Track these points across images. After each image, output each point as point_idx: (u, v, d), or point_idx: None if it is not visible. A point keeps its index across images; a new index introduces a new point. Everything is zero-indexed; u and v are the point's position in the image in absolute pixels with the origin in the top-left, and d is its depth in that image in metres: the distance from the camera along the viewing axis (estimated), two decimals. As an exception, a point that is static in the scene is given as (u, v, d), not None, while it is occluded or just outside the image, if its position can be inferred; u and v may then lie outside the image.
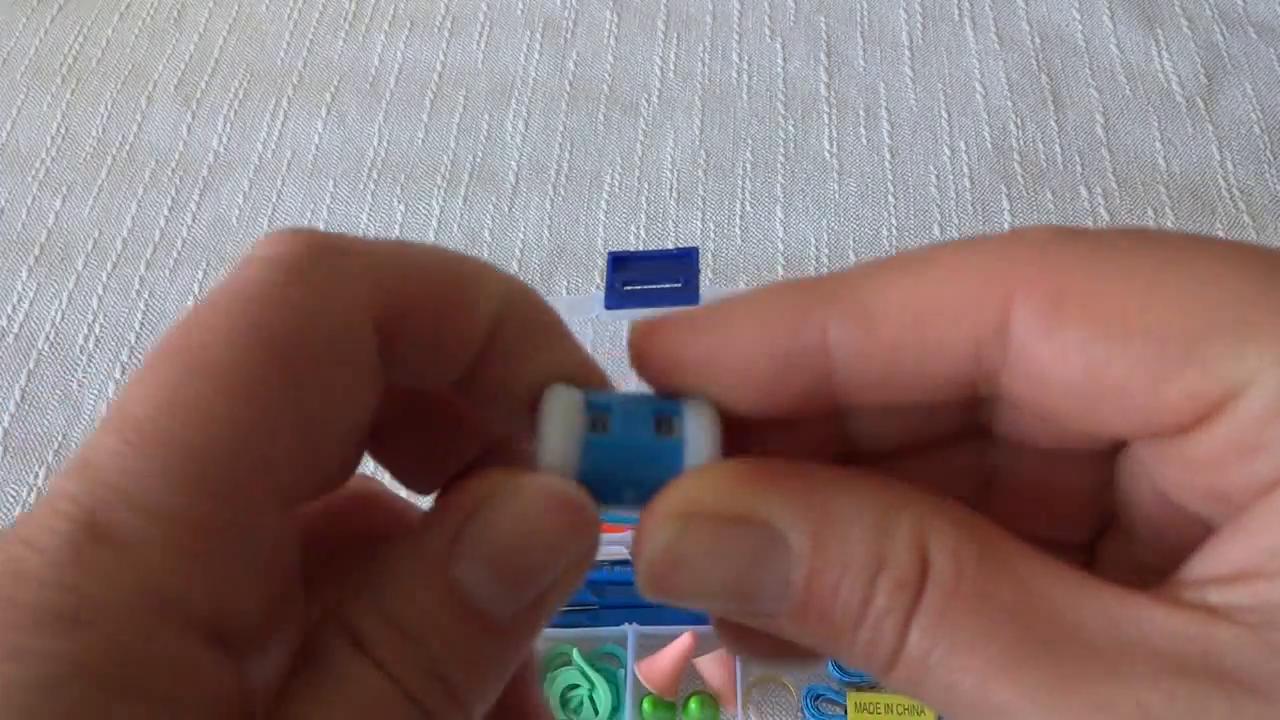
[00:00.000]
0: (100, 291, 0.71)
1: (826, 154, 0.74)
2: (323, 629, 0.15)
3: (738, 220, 0.71)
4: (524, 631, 0.16)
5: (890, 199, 0.71)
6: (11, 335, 0.69)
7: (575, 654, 0.53)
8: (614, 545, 0.56)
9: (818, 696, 0.52)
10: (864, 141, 0.74)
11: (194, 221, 0.74)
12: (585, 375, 0.18)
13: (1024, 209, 0.69)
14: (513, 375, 0.18)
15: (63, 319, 0.70)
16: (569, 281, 0.69)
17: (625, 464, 0.17)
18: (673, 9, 0.83)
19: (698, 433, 0.17)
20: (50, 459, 0.64)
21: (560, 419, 0.17)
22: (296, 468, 0.15)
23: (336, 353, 0.15)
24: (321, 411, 0.15)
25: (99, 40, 0.86)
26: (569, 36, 0.82)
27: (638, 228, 0.71)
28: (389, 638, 0.15)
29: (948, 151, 0.73)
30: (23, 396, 0.67)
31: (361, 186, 0.75)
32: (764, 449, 0.18)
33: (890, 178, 0.72)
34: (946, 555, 0.15)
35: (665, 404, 0.17)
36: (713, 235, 0.70)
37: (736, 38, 0.81)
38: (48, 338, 0.69)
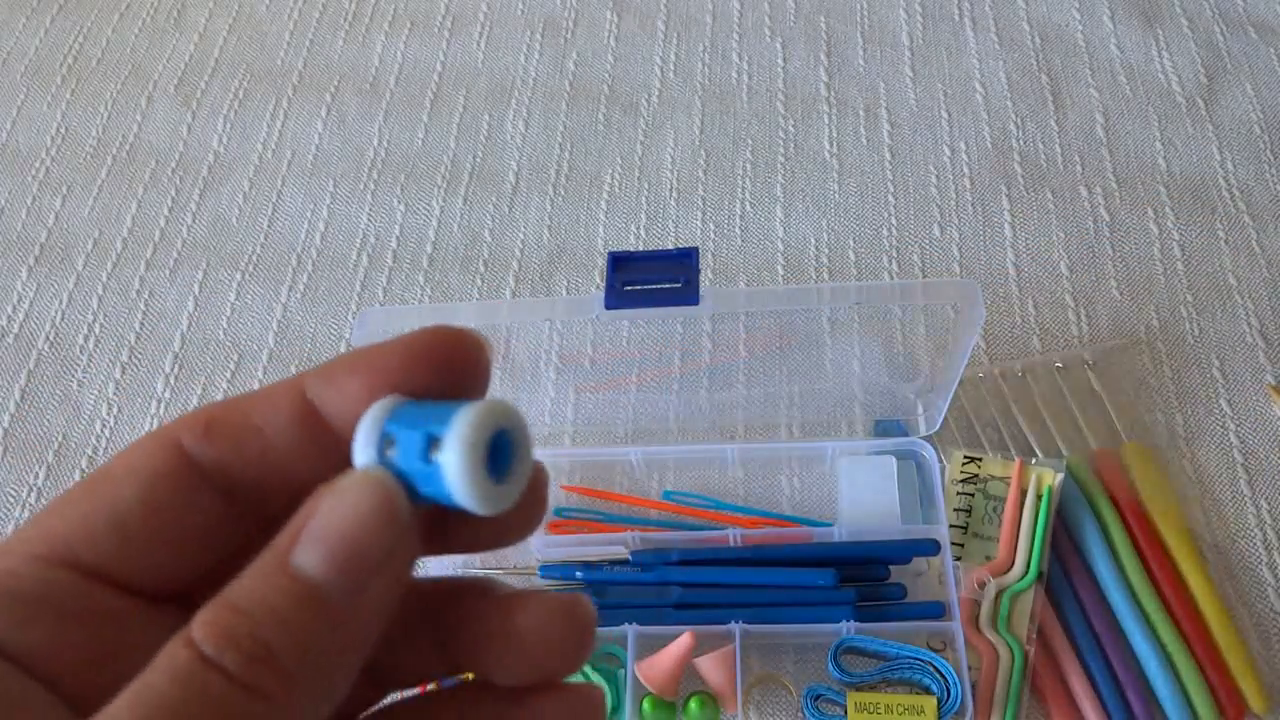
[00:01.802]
0: (100, 291, 0.71)
1: (826, 154, 0.74)
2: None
3: (738, 220, 0.71)
4: (356, 615, 0.17)
5: (890, 199, 0.71)
6: (11, 335, 0.69)
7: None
8: (614, 545, 0.56)
9: (818, 696, 0.52)
10: (864, 141, 0.74)
11: (194, 221, 0.74)
12: (394, 375, 0.20)
13: (1024, 209, 0.69)
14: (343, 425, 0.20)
15: (63, 319, 0.70)
16: (569, 281, 0.69)
17: (410, 483, 0.18)
18: (673, 9, 0.83)
19: (450, 459, 0.18)
20: (50, 459, 0.64)
21: (359, 449, 0.19)
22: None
23: (142, 472, 0.19)
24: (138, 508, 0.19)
25: (99, 40, 0.86)
26: (569, 36, 0.82)
27: (638, 228, 0.71)
28: (217, 617, 0.17)
29: (948, 151, 0.73)
30: (23, 396, 0.67)
31: (361, 186, 0.75)
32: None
33: (890, 178, 0.72)
34: None
35: (440, 421, 0.18)
36: (713, 235, 0.70)
37: (736, 38, 0.81)
38: (48, 338, 0.69)
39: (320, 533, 0.17)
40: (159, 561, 0.19)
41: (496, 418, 0.19)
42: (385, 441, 0.19)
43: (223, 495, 0.20)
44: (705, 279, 0.68)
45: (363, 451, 0.19)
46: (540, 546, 0.56)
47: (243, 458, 0.20)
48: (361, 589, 0.17)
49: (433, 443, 0.18)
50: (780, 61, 0.79)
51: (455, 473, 0.18)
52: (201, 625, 0.16)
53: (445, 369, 0.20)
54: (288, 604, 0.17)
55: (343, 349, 0.67)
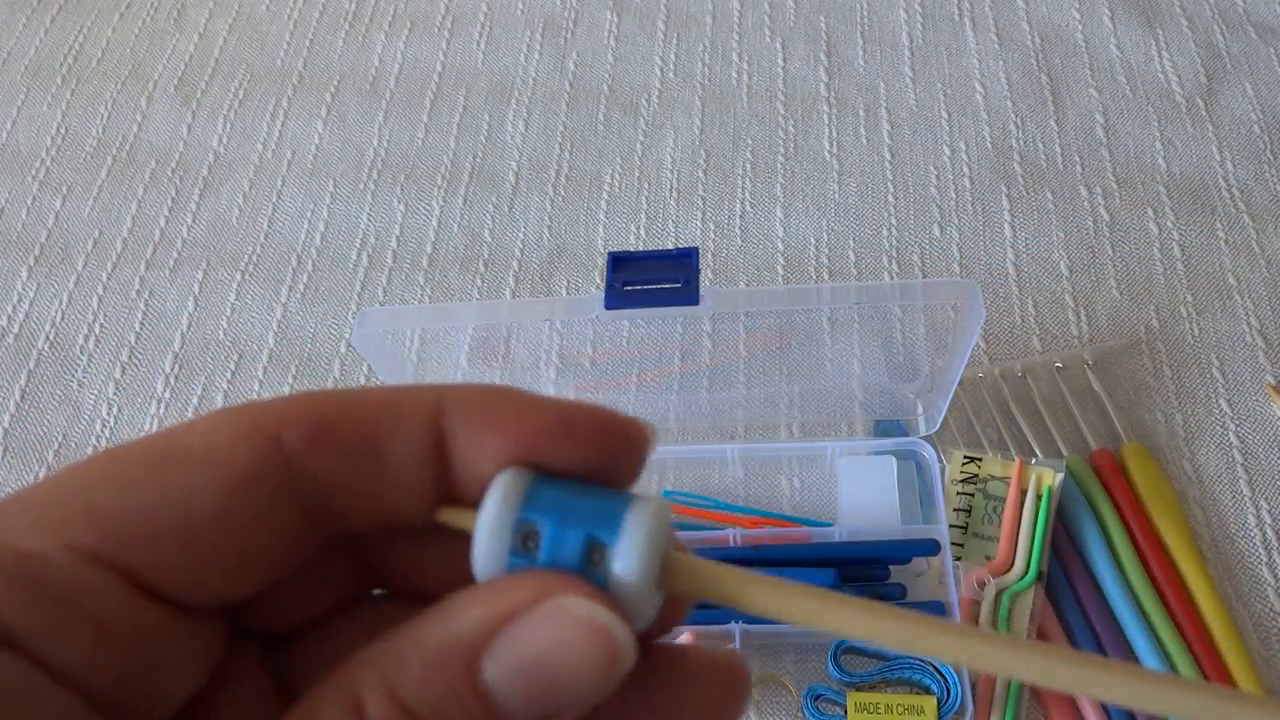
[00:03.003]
0: (100, 291, 0.71)
1: (826, 154, 0.74)
2: (323, 687, 0.15)
3: (738, 220, 0.71)
4: None
5: (890, 199, 0.71)
6: (11, 335, 0.69)
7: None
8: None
9: (818, 696, 0.52)
10: (864, 141, 0.74)
11: (194, 221, 0.74)
12: (541, 443, 0.17)
13: (1024, 209, 0.69)
14: (473, 476, 0.17)
15: (63, 319, 0.70)
16: (569, 281, 0.69)
17: None
18: (673, 9, 0.83)
19: (623, 576, 0.16)
20: (50, 459, 0.64)
21: (486, 537, 0.16)
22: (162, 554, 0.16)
23: (206, 471, 0.16)
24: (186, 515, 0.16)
25: (99, 40, 0.86)
26: (569, 36, 0.82)
27: (638, 228, 0.71)
28: (391, 715, 0.15)
29: (948, 151, 0.73)
30: (23, 396, 0.67)
31: (361, 186, 0.75)
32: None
33: (890, 178, 0.72)
34: None
35: (603, 523, 0.16)
36: (713, 235, 0.70)
37: (736, 38, 0.81)
38: (48, 338, 0.69)
39: (529, 664, 0.15)
40: (216, 579, 0.16)
41: (668, 524, 0.16)
42: (523, 530, 0.16)
43: (304, 509, 0.17)
44: (705, 279, 0.68)
45: (493, 540, 0.16)
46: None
47: (352, 478, 0.17)
48: None
49: (594, 549, 0.16)
50: (780, 61, 0.79)
51: (627, 590, 0.15)
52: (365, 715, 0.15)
53: (602, 457, 0.17)
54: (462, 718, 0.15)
55: (342, 349, 0.67)
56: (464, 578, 0.17)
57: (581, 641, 0.15)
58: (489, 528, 0.16)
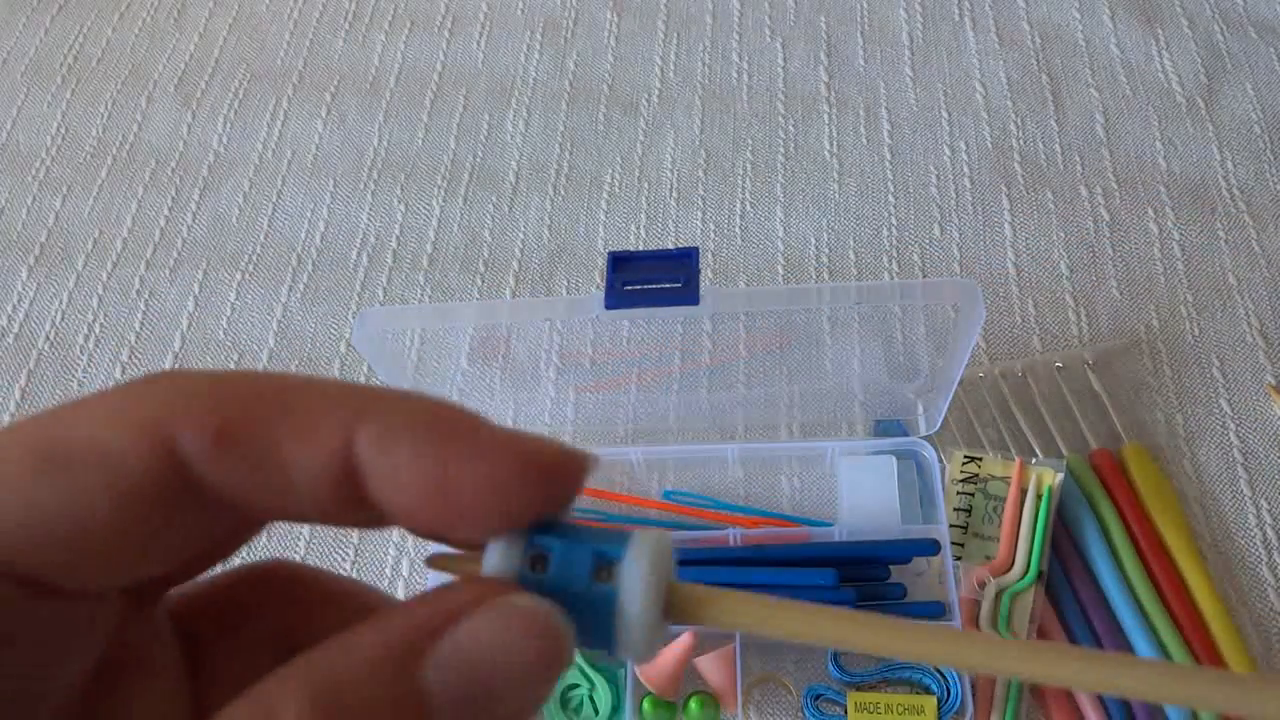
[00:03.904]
0: (100, 291, 0.71)
1: (826, 154, 0.74)
2: (237, 701, 0.14)
3: (738, 220, 0.71)
4: None
5: (890, 199, 0.71)
6: (11, 335, 0.69)
7: (576, 653, 0.53)
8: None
9: (818, 696, 0.52)
10: (864, 141, 0.74)
11: (194, 221, 0.74)
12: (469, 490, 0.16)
13: (1024, 209, 0.69)
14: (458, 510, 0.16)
15: (63, 319, 0.70)
16: (569, 281, 0.69)
17: (560, 607, 0.16)
18: (673, 9, 0.83)
19: (632, 584, 0.16)
20: (50, 459, 0.64)
21: (498, 556, 0.16)
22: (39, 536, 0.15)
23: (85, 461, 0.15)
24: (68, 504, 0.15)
25: (99, 40, 0.86)
26: (569, 36, 0.82)
27: (638, 228, 0.71)
28: (316, 708, 0.14)
29: (948, 151, 0.73)
30: (23, 396, 0.67)
31: (361, 186, 0.75)
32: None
33: (890, 178, 0.72)
34: None
35: (610, 543, 0.16)
36: (713, 235, 0.70)
37: (736, 38, 0.81)
38: (48, 338, 0.69)
39: (470, 665, 0.15)
40: (111, 574, 0.15)
41: (670, 552, 0.16)
42: (532, 554, 0.16)
43: (206, 504, 0.16)
44: (705, 279, 0.68)
45: (503, 559, 0.16)
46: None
47: (254, 488, 0.16)
48: None
49: (602, 565, 0.16)
50: (780, 61, 0.79)
51: (634, 603, 0.15)
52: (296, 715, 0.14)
53: (549, 494, 0.16)
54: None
55: (342, 349, 0.67)
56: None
57: (524, 642, 0.15)
58: (501, 551, 0.16)
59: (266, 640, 0.18)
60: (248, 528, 0.18)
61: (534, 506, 0.16)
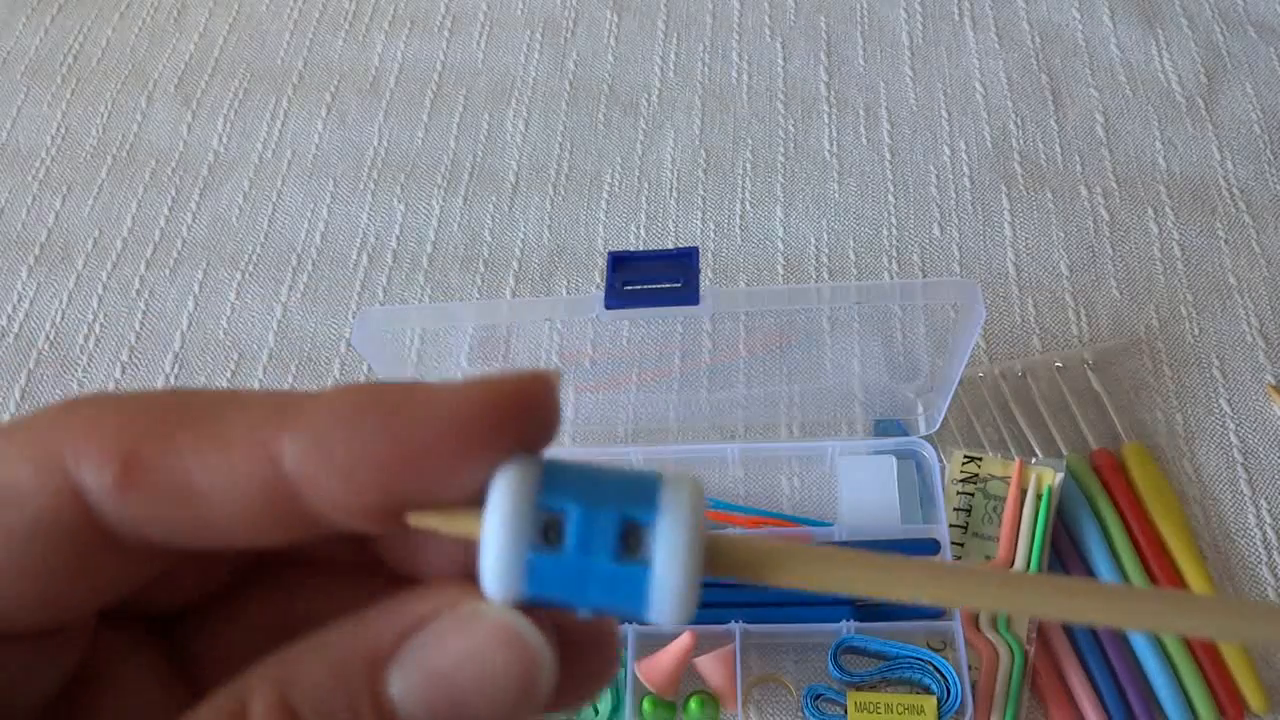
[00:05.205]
0: (100, 291, 0.71)
1: (826, 154, 0.74)
2: (216, 693, 0.14)
3: (738, 220, 0.71)
4: None
5: (890, 199, 0.71)
6: (11, 335, 0.69)
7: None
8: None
9: (818, 696, 0.52)
10: (864, 141, 0.74)
11: (194, 221, 0.74)
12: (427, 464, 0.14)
13: (1024, 209, 0.69)
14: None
15: (63, 319, 0.70)
16: (569, 281, 0.69)
17: (578, 589, 0.14)
18: (673, 9, 0.83)
19: (670, 560, 0.13)
20: (50, 459, 0.64)
21: (500, 533, 0.14)
22: None
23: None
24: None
25: (99, 40, 0.86)
26: (569, 36, 0.82)
27: (638, 228, 0.71)
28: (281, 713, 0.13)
29: (948, 151, 0.73)
30: (23, 396, 0.67)
31: (361, 186, 0.75)
32: None
33: (890, 177, 0.72)
34: None
35: (638, 502, 0.14)
36: (713, 235, 0.70)
37: (736, 38, 0.81)
38: (48, 338, 0.69)
39: (437, 675, 0.14)
40: (35, 616, 0.14)
41: (703, 502, 0.14)
42: (544, 520, 0.14)
43: (128, 544, 0.14)
44: (705, 279, 0.68)
45: (511, 534, 0.14)
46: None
47: (172, 521, 0.14)
48: None
49: (630, 531, 0.14)
50: (780, 61, 0.79)
51: (674, 575, 0.13)
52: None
53: (520, 424, 0.14)
54: None
55: (342, 349, 0.67)
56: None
57: (495, 651, 0.14)
58: (504, 521, 0.14)
59: (266, 622, 0.18)
60: (210, 558, 0.16)
61: (506, 445, 0.14)
